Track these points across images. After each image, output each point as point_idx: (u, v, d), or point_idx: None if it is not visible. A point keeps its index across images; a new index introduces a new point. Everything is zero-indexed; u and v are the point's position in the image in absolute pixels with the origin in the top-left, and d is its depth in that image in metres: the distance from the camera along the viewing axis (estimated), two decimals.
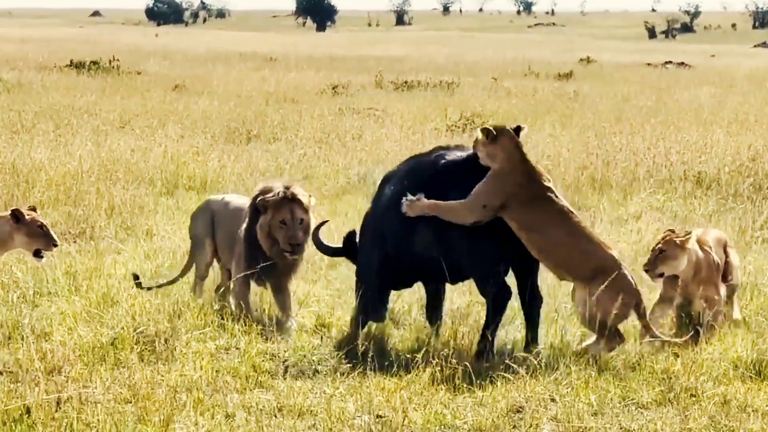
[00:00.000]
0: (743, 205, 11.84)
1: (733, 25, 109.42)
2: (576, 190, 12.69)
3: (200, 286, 8.40)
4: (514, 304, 7.26)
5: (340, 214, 11.04)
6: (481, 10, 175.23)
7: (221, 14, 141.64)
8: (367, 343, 6.98)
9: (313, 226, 7.88)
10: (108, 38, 60.61)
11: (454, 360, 6.65)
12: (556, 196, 7.12)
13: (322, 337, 7.40)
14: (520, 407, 6.15)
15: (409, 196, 7.11)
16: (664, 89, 27.93)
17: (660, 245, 7.51)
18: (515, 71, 34.62)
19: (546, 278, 7.46)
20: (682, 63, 41.44)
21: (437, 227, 7.09)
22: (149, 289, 8.20)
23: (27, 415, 5.84)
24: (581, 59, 42.92)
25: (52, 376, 6.41)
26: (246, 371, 6.66)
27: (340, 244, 7.86)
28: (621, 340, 7.04)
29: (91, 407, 5.95)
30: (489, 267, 7.07)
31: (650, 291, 7.79)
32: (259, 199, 7.83)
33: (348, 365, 6.70)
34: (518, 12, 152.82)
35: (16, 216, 7.46)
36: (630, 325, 7.29)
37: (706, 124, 18.88)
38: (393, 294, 7.74)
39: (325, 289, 8.55)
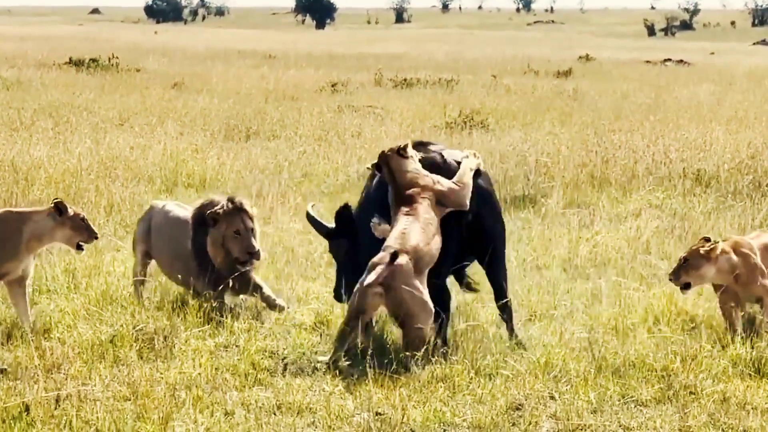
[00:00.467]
0: (742, 203, 11.83)
1: (733, 23, 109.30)
2: (575, 187, 12.68)
3: (137, 288, 8.24)
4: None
5: None
6: (480, 7, 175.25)
7: (220, 12, 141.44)
8: (366, 341, 6.98)
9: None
10: (107, 36, 60.54)
11: (453, 357, 6.64)
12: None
13: (321, 335, 7.40)
14: (520, 405, 6.16)
15: (374, 220, 7.20)
16: (664, 87, 27.91)
17: (685, 254, 7.45)
18: (514, 69, 34.58)
19: (546, 278, 7.43)
20: (682, 60, 41.39)
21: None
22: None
23: (26, 413, 5.85)
24: (580, 57, 42.89)
25: (52, 373, 6.41)
26: (245, 369, 6.67)
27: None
28: None
29: (91, 405, 5.95)
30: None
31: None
32: (209, 212, 7.85)
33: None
34: (518, 9, 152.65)
35: (59, 209, 7.23)
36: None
37: (706, 122, 18.87)
38: None
39: (324, 286, 8.53)
